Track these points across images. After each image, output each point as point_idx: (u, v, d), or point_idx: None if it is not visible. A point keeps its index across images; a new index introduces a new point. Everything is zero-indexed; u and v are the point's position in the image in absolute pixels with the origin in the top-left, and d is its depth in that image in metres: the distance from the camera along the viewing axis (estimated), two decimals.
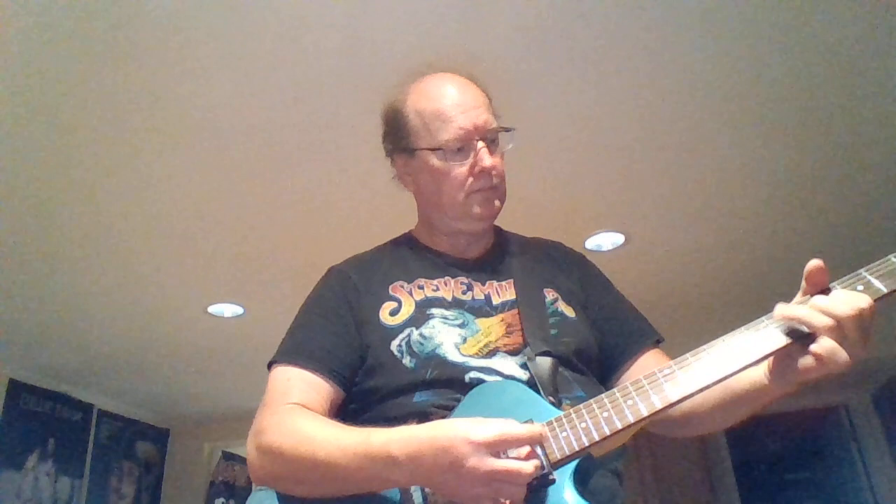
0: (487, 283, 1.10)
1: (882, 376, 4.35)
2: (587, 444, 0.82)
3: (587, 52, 1.93)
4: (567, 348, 1.02)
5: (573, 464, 0.84)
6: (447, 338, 1.00)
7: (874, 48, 1.95)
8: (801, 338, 0.82)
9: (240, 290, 3.28)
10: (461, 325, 1.03)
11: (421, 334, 1.01)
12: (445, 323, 1.03)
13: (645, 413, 0.83)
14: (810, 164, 2.52)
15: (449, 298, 1.07)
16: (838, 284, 0.84)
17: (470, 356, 0.99)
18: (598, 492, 0.88)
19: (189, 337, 3.78)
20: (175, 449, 5.37)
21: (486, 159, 1.06)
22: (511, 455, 0.80)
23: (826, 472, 5.30)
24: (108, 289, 3.15)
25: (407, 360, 0.99)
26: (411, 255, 1.16)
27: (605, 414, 0.84)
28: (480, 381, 0.96)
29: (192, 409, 5.11)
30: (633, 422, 0.83)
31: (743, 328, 0.86)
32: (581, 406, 0.86)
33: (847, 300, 0.80)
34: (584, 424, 0.84)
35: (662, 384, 0.84)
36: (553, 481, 0.81)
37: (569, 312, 1.09)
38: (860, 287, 0.82)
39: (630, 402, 0.84)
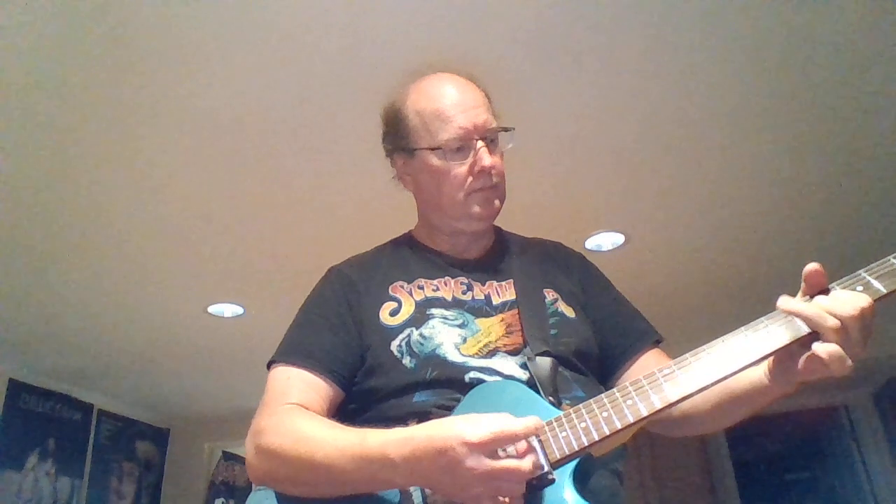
0: (487, 283, 1.10)
1: (882, 376, 4.35)
2: (587, 444, 0.82)
3: (587, 53, 1.93)
4: (567, 348, 1.02)
5: (573, 464, 0.84)
6: (447, 338, 1.00)
7: (874, 48, 1.95)
8: (801, 338, 0.82)
9: (240, 290, 3.29)
10: (461, 326, 1.03)
11: (421, 334, 1.01)
12: (445, 323, 1.03)
13: (644, 413, 0.83)
14: (810, 164, 2.52)
15: (449, 298, 1.06)
16: (838, 285, 0.84)
17: (470, 356, 0.99)
18: (597, 492, 0.88)
19: (189, 337, 3.79)
20: (175, 449, 5.37)
21: (486, 158, 1.06)
22: (508, 451, 0.80)
23: (826, 472, 5.30)
24: (109, 289, 3.15)
25: (407, 361, 0.99)
26: (411, 255, 1.16)
27: (605, 414, 0.84)
28: (480, 381, 0.96)
29: (192, 409, 5.11)
30: (632, 422, 0.83)
31: (743, 328, 0.85)
32: (581, 406, 0.86)
33: (848, 300, 0.80)
34: (583, 424, 0.84)
35: (662, 384, 0.84)
36: (552, 481, 0.81)
37: (569, 313, 1.09)
38: (859, 288, 0.82)
39: (630, 402, 0.84)
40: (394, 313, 1.05)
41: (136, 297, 3.26)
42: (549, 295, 1.10)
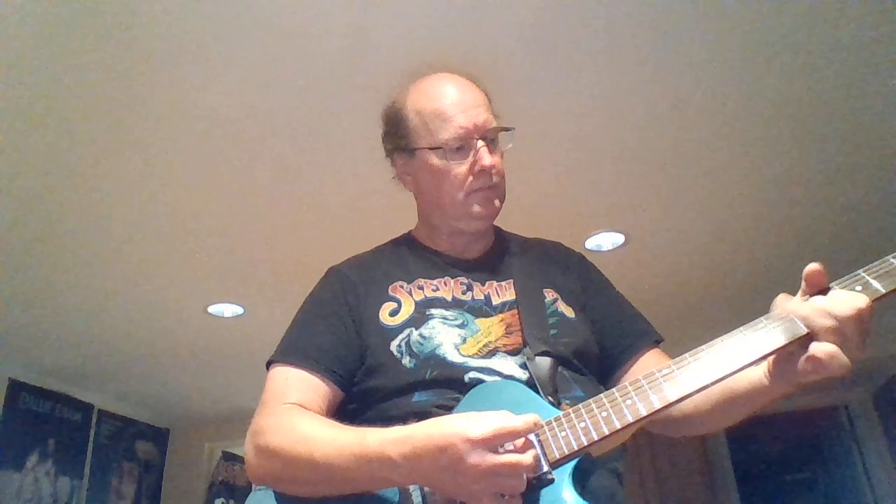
0: (487, 283, 1.10)
1: (882, 376, 4.34)
2: (586, 444, 0.82)
3: (587, 53, 1.93)
4: (566, 348, 1.02)
5: (572, 463, 0.84)
6: (447, 338, 1.00)
7: (874, 49, 1.95)
8: (800, 338, 0.82)
9: (240, 290, 3.29)
10: (461, 326, 1.03)
11: (420, 334, 1.01)
12: (445, 323, 1.03)
13: (644, 413, 0.83)
14: (810, 164, 2.52)
15: (449, 298, 1.07)
16: (837, 285, 0.84)
17: (469, 356, 0.99)
18: (597, 491, 0.88)
19: (189, 337, 3.79)
20: (175, 449, 5.36)
21: (486, 158, 1.06)
22: (507, 448, 0.80)
23: (826, 472, 5.30)
24: (109, 289, 3.15)
25: (406, 361, 0.99)
26: (411, 255, 1.16)
27: (604, 414, 0.84)
28: (480, 381, 0.96)
29: (192, 409, 5.11)
30: (631, 422, 0.83)
31: (742, 328, 0.85)
32: (580, 406, 0.86)
33: (846, 300, 0.80)
34: (583, 424, 0.84)
35: (661, 384, 0.84)
36: (552, 481, 0.81)
37: (568, 313, 1.09)
38: (858, 287, 0.82)
39: (629, 402, 0.84)
40: (393, 313, 1.05)
41: (135, 297, 3.26)
42: (549, 295, 1.10)
